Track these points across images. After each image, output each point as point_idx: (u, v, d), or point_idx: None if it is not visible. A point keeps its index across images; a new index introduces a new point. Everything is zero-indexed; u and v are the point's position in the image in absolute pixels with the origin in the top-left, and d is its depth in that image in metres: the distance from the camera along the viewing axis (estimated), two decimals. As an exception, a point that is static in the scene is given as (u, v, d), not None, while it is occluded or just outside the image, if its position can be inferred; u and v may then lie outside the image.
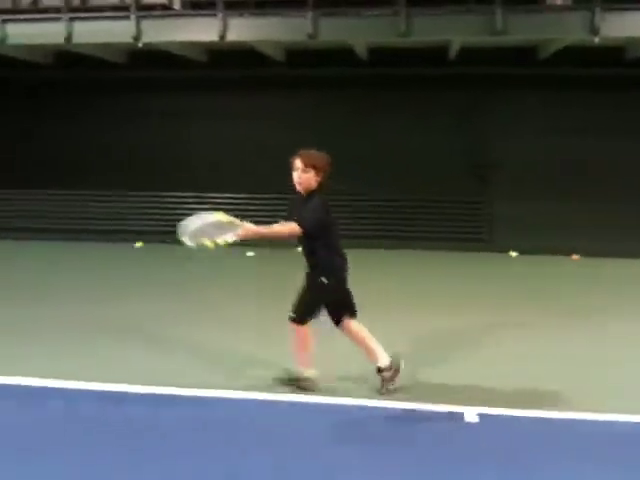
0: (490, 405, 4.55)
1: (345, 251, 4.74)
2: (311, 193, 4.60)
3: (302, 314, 4.66)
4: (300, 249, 4.71)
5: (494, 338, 6.29)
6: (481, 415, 4.40)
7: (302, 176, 4.54)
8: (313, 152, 4.63)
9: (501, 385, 5.03)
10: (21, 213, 12.02)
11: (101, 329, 6.34)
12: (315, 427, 4.25)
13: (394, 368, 4.76)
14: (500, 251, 10.84)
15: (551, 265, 10.10)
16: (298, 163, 4.55)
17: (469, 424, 4.30)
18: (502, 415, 4.45)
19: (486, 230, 11.38)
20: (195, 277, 8.90)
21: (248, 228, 4.33)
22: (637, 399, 4.73)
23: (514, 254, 10.76)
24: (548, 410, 4.49)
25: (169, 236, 11.48)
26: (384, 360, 4.75)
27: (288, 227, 4.48)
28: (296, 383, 4.78)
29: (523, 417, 4.42)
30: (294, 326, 4.70)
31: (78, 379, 4.91)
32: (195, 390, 4.76)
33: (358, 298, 4.84)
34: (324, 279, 4.62)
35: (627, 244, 10.31)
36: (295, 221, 4.46)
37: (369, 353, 4.82)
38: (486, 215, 11.40)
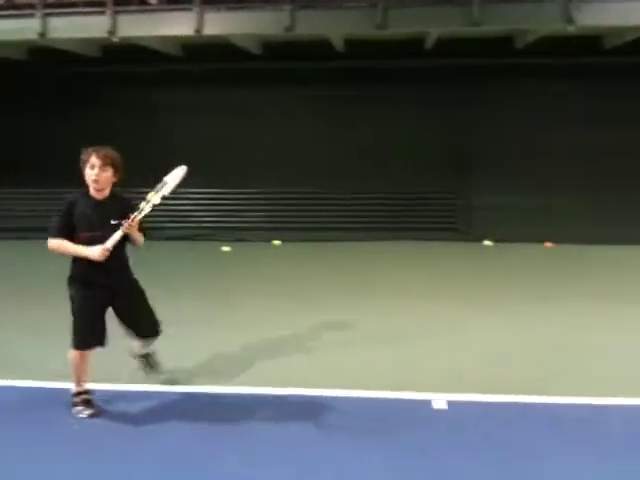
0: (459, 391, 4.57)
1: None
2: (113, 194, 4.22)
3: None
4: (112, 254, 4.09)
5: (458, 324, 6.34)
6: (450, 402, 4.40)
7: (101, 175, 4.06)
8: (109, 149, 4.16)
9: (468, 370, 5.07)
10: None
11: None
12: (296, 419, 4.26)
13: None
14: (476, 240, 10.96)
15: (523, 253, 10.22)
16: (95, 160, 4.05)
17: (438, 411, 4.32)
18: (472, 401, 4.45)
19: (462, 220, 11.48)
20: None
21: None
22: (588, 382, 4.81)
23: (489, 243, 10.85)
24: (517, 394, 4.51)
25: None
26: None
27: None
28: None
29: (494, 403, 4.43)
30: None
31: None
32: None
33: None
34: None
35: (604, 230, 10.47)
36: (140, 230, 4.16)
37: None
38: (462, 205, 11.49)
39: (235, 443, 3.88)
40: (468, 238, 11.11)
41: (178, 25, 9.67)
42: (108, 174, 4.09)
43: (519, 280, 8.39)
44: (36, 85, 11.93)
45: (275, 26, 9.56)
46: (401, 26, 9.49)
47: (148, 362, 4.67)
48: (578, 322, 6.40)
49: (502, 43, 10.87)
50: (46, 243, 4.12)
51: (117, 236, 4.03)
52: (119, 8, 9.63)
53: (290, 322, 6.34)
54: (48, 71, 11.66)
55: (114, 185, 4.18)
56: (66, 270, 4.23)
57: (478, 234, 11.03)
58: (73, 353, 4.22)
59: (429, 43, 10.39)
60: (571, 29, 9.24)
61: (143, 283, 4.41)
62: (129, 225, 4.04)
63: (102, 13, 9.55)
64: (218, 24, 9.66)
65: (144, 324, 4.41)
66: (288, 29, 9.42)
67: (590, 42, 10.75)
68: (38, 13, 9.50)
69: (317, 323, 6.35)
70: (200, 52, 11.19)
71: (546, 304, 7.04)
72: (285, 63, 11.39)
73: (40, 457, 3.75)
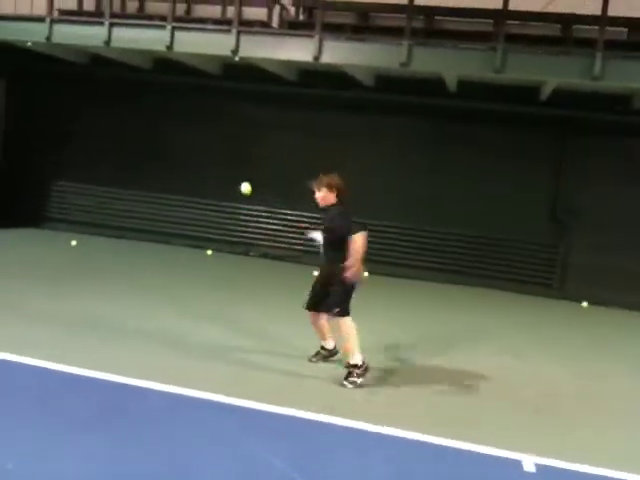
0: (548, 456, 4.40)
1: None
2: (330, 205, 5.88)
3: (344, 306, 5.65)
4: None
5: (554, 385, 6.18)
6: (538, 465, 4.26)
7: (324, 196, 5.86)
8: (331, 176, 5.88)
9: (560, 435, 4.89)
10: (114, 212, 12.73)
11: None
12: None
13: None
14: (571, 299, 10.66)
15: (622, 319, 9.83)
16: (317, 185, 5.87)
17: (527, 473, 4.17)
18: (560, 468, 4.29)
19: (558, 277, 11.17)
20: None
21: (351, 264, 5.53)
22: None
23: (585, 304, 10.49)
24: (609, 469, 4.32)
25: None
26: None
27: (359, 243, 5.59)
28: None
29: (583, 473, 4.26)
30: (338, 320, 5.67)
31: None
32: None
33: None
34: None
35: None
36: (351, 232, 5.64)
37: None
38: (561, 262, 11.18)
39: None
40: (562, 296, 10.81)
41: (297, 50, 9.90)
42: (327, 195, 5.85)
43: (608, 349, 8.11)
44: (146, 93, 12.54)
45: (391, 60, 9.64)
46: (519, 72, 9.37)
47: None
48: None
49: (621, 100, 10.58)
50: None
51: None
52: (243, 29, 9.97)
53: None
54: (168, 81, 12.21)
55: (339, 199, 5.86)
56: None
57: (573, 293, 10.72)
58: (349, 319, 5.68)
59: (545, 93, 10.23)
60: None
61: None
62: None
63: (227, 32, 9.90)
64: (336, 53, 9.82)
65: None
66: (404, 64, 9.50)
67: None
68: (168, 26, 9.95)
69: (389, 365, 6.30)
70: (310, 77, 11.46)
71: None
72: (395, 96, 11.46)
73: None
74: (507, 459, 4.35)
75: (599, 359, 7.43)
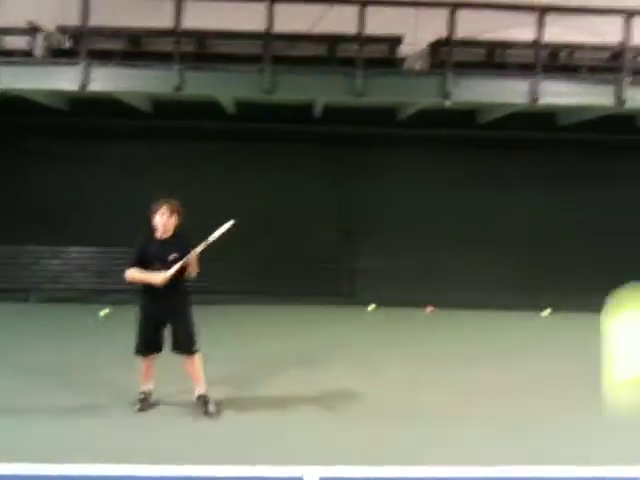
0: (332, 464, 4.48)
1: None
2: (176, 234, 5.56)
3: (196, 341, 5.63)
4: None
5: (340, 392, 6.38)
6: (323, 478, 4.31)
7: (168, 221, 5.50)
8: (174, 201, 5.58)
9: (343, 443, 5.01)
10: None
11: None
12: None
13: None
14: (360, 304, 11.14)
15: (405, 317, 10.50)
16: (164, 210, 5.48)
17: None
18: (344, 477, 4.38)
19: (346, 284, 11.68)
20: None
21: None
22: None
23: (372, 307, 11.06)
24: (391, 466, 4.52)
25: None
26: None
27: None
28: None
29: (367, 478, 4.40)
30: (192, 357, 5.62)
31: None
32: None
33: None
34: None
35: (478, 295, 11.00)
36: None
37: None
38: (346, 269, 11.73)
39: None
40: (352, 302, 11.29)
41: (63, 80, 9.47)
42: (172, 220, 5.52)
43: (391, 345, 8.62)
44: None
45: (164, 85, 9.56)
46: (288, 92, 9.72)
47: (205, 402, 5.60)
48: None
49: (387, 114, 11.37)
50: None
51: (175, 268, 5.34)
52: (1, 59, 9.37)
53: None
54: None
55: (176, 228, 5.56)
56: None
57: (362, 298, 11.25)
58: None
59: (317, 110, 10.71)
60: (447, 104, 9.78)
61: None
62: (188, 261, 5.36)
63: (-19, 64, 9.24)
64: (106, 80, 9.54)
65: (180, 341, 5.58)
66: (177, 89, 9.45)
67: (467, 116, 11.44)
68: None
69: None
70: (88, 107, 11.05)
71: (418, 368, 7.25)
72: (174, 122, 11.40)
73: None
74: (288, 478, 4.37)
75: (385, 357, 7.84)
